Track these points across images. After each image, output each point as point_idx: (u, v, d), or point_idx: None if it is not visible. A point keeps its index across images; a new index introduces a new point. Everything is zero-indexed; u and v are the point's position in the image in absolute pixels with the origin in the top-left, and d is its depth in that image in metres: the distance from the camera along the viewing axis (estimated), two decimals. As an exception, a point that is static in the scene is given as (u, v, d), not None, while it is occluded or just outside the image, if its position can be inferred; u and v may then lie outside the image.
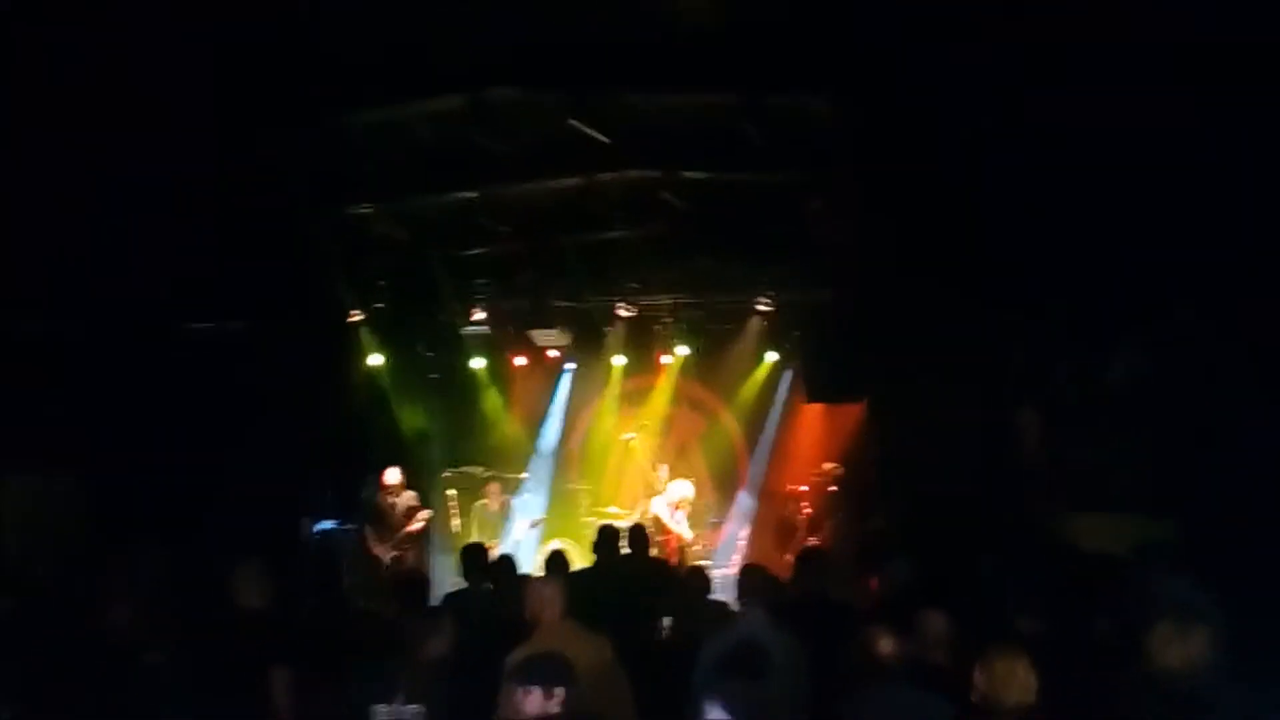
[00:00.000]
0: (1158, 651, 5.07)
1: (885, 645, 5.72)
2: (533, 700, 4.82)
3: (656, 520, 12.98)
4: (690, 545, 13.20)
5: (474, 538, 12.80)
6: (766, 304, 13.39)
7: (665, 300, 13.94)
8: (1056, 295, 10.15)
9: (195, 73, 8.05)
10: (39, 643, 6.45)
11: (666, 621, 7.95)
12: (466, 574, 8.60)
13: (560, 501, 14.81)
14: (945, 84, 8.01)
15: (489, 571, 8.57)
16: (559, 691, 4.83)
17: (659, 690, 6.43)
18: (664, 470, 14.07)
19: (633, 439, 14.41)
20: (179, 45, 7.72)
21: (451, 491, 14.16)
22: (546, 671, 4.95)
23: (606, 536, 9.00)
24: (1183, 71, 7.07)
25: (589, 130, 8.79)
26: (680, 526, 13.07)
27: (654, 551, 12.29)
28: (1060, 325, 10.49)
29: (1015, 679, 4.98)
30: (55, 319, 10.07)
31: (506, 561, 8.83)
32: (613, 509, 14.01)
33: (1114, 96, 7.54)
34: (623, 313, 13.52)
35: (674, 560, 12.71)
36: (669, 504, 13.14)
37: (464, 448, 14.89)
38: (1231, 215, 7.99)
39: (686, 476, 13.98)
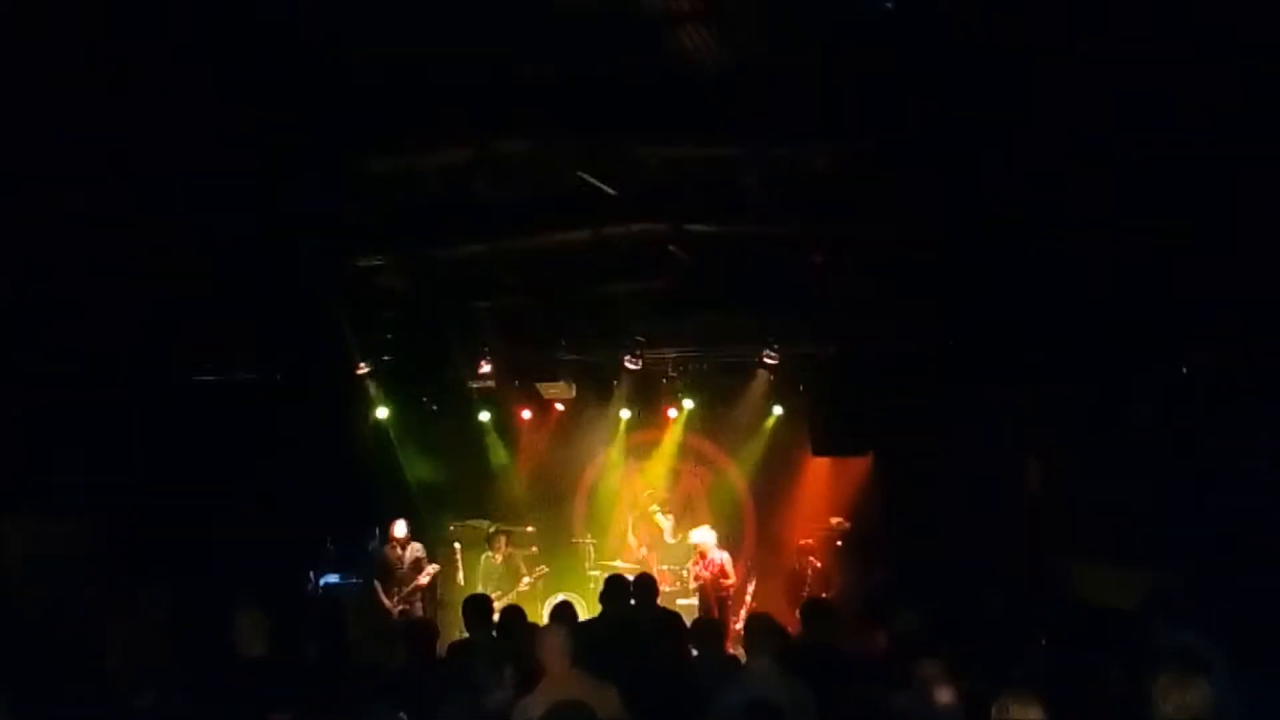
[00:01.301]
0: (1160, 700, 5.05)
1: (944, 695, 5.67)
2: None
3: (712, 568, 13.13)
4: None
5: (479, 591, 12.76)
6: (772, 357, 13.42)
7: (671, 353, 13.99)
8: (1062, 345, 10.18)
9: (203, 125, 8.12)
10: (37, 680, 6.44)
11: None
12: (470, 626, 8.55)
13: (565, 555, 14.74)
14: (949, 135, 8.07)
15: (494, 623, 8.53)
16: None
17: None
18: (669, 523, 14.08)
19: (655, 510, 14.44)
20: (187, 100, 7.79)
21: (457, 545, 14.13)
22: None
23: (615, 586, 8.95)
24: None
25: (596, 183, 8.85)
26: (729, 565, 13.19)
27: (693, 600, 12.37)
28: (1065, 375, 10.52)
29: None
30: (66, 364, 10.10)
31: (514, 612, 8.79)
32: (618, 563, 13.96)
33: (1112, 142, 7.60)
34: (629, 365, 13.56)
35: (728, 593, 12.83)
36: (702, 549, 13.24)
37: (470, 500, 14.86)
38: (1235, 259, 8.04)
39: (690, 529, 14.01)
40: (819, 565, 13.56)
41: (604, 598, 8.92)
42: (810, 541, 13.87)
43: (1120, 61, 6.81)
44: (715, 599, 12.84)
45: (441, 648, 8.52)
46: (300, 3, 6.87)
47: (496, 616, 8.67)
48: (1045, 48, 6.99)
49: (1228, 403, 8.58)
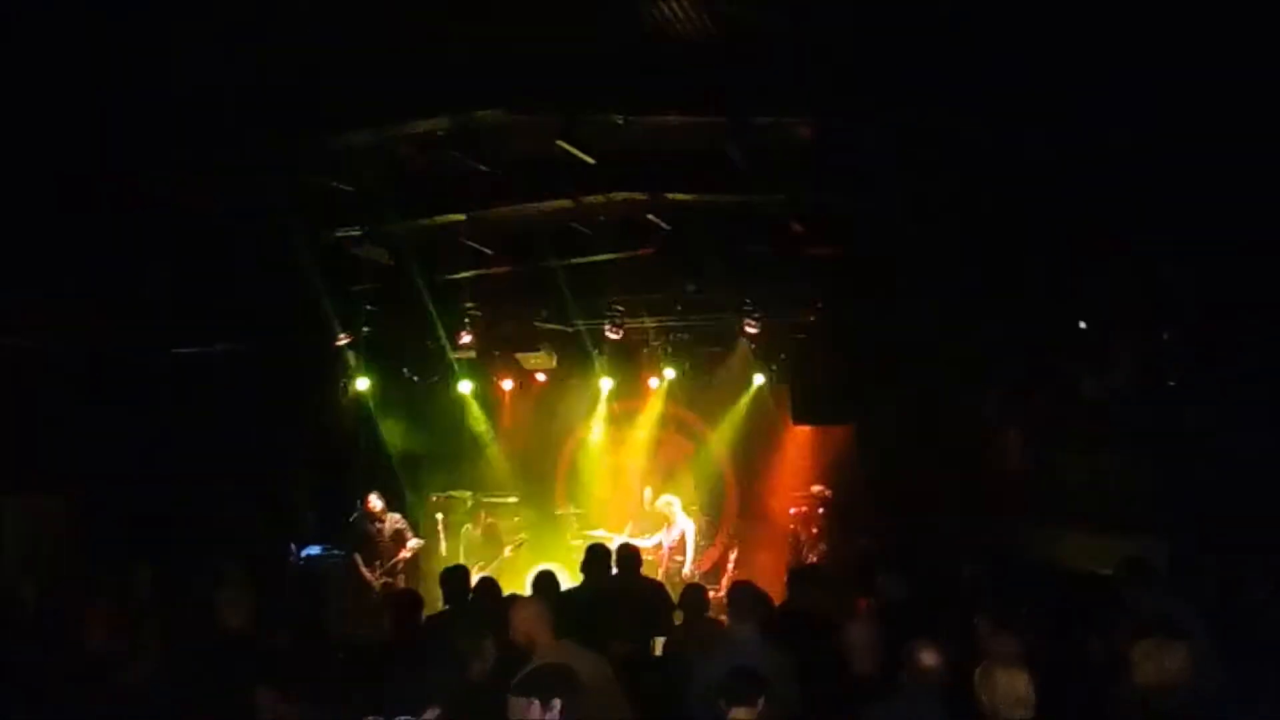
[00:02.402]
0: (1139, 666, 5.08)
1: (928, 658, 5.68)
2: (532, 711, 4.82)
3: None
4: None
5: (460, 561, 12.79)
6: (753, 326, 13.43)
7: (652, 323, 13.97)
8: (1043, 313, 10.21)
9: (182, 96, 8.05)
10: (21, 658, 6.43)
11: (660, 640, 7.96)
12: (448, 597, 8.55)
13: (547, 525, 14.75)
14: (934, 105, 8.05)
15: (471, 594, 8.53)
16: (555, 703, 4.83)
17: (654, 708, 6.42)
18: (648, 493, 14.13)
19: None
20: (166, 70, 7.73)
21: (439, 516, 14.13)
22: (546, 683, 4.95)
23: (595, 556, 8.96)
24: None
25: (576, 152, 8.79)
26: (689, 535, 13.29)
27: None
28: (1046, 343, 10.55)
29: (1015, 692, 4.98)
30: (46, 341, 10.05)
31: (488, 584, 8.81)
32: (600, 532, 13.97)
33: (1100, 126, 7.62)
34: (610, 335, 13.56)
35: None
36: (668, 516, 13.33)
37: (451, 471, 14.85)
38: (1217, 228, 8.07)
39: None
40: (814, 531, 13.57)
41: (585, 567, 8.93)
42: (803, 509, 13.88)
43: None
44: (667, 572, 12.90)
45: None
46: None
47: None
48: (1024, 24, 6.99)
49: (1208, 373, 8.62)
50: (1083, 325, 9.84)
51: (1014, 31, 7.13)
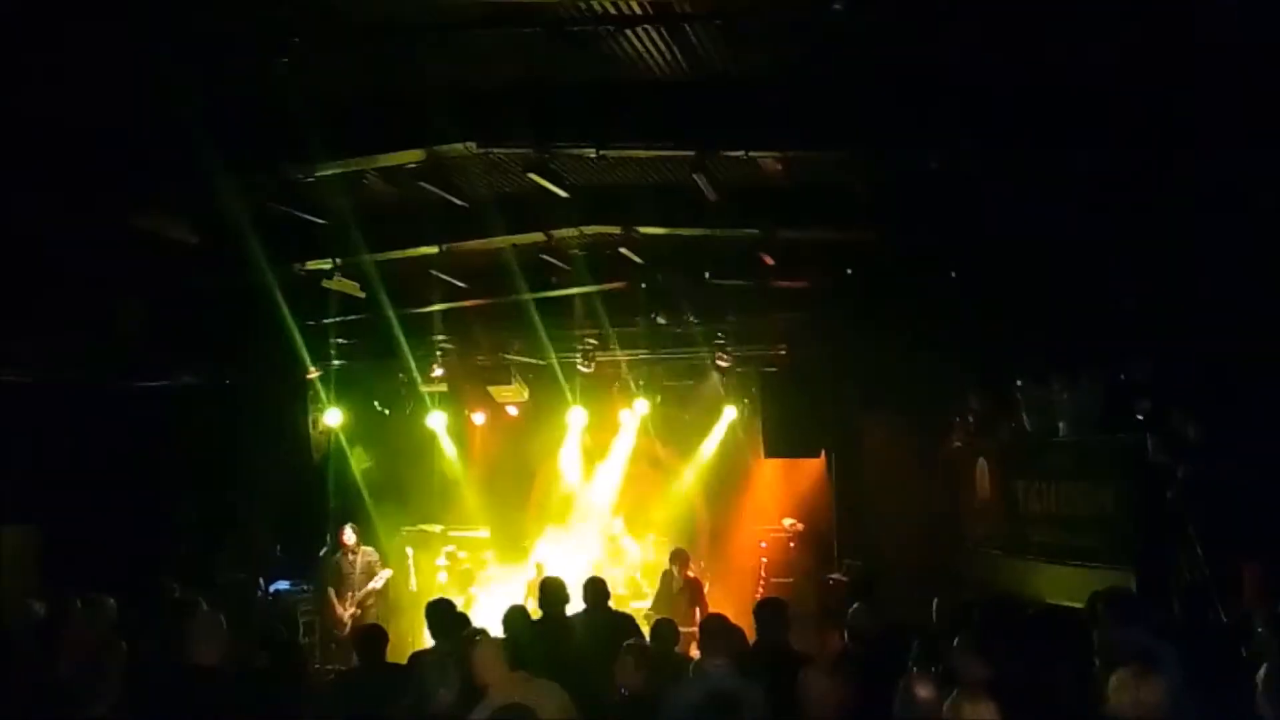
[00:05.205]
0: (1114, 697, 5.09)
1: (923, 690, 5.67)
2: None
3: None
4: None
5: (428, 595, 12.69)
6: (724, 360, 13.47)
7: (624, 356, 13.99)
8: (1012, 345, 10.28)
9: (156, 126, 8.04)
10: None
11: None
12: (434, 631, 8.47)
13: (517, 558, 14.65)
14: (904, 139, 8.11)
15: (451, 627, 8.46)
16: None
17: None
18: (618, 524, 14.11)
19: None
20: (140, 101, 7.72)
21: (409, 549, 14.05)
22: None
23: (550, 589, 8.93)
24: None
25: (548, 185, 8.82)
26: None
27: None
28: (1015, 377, 10.61)
29: (983, 723, 4.98)
30: (10, 371, 9.96)
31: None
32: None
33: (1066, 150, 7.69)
34: (582, 368, 13.57)
35: None
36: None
37: (422, 504, 14.77)
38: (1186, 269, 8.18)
39: (644, 532, 14.07)
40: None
41: (543, 603, 8.92)
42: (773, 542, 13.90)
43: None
44: None
45: (391, 652, 8.45)
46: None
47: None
48: (1000, 53, 7.06)
49: (1172, 402, 8.69)
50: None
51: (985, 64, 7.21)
